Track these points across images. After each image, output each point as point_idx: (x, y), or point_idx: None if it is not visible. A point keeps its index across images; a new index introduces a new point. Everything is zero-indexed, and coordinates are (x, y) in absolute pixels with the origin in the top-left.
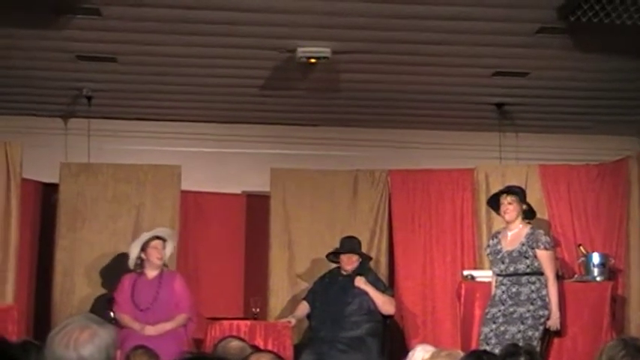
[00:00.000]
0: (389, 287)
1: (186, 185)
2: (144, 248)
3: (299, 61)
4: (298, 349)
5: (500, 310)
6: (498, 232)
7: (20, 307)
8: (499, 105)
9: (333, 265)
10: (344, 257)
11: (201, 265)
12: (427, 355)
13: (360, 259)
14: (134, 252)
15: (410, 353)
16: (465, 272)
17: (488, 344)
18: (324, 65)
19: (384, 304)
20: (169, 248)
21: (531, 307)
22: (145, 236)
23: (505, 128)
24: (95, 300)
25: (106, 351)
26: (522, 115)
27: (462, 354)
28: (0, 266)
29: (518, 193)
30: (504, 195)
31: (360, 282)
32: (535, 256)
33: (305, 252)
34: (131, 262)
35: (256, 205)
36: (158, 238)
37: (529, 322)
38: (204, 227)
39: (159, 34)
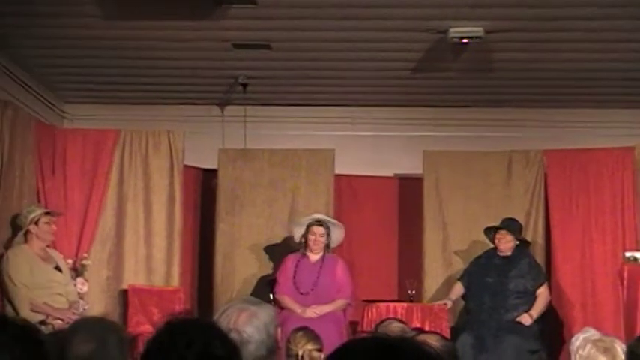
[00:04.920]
0: (544, 273)
1: (339, 169)
2: (308, 230)
3: (451, 42)
4: (454, 331)
5: None
6: None
7: (185, 288)
8: None
9: (489, 246)
10: (498, 236)
11: (355, 247)
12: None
13: (517, 242)
14: (298, 231)
15: (573, 338)
16: (627, 254)
17: None
18: (477, 45)
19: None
20: (337, 234)
21: None
22: (306, 220)
23: None
24: (258, 281)
25: (266, 330)
26: None
27: (614, 340)
28: (167, 250)
29: None
30: None
31: (527, 320)
32: None
33: (459, 233)
34: (296, 238)
35: (409, 188)
36: (320, 223)
37: None
38: (358, 210)
39: (311, 19)
